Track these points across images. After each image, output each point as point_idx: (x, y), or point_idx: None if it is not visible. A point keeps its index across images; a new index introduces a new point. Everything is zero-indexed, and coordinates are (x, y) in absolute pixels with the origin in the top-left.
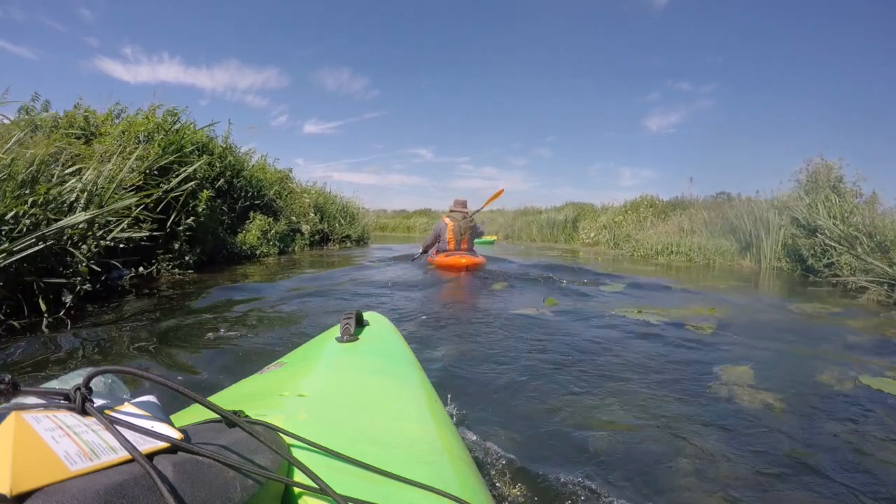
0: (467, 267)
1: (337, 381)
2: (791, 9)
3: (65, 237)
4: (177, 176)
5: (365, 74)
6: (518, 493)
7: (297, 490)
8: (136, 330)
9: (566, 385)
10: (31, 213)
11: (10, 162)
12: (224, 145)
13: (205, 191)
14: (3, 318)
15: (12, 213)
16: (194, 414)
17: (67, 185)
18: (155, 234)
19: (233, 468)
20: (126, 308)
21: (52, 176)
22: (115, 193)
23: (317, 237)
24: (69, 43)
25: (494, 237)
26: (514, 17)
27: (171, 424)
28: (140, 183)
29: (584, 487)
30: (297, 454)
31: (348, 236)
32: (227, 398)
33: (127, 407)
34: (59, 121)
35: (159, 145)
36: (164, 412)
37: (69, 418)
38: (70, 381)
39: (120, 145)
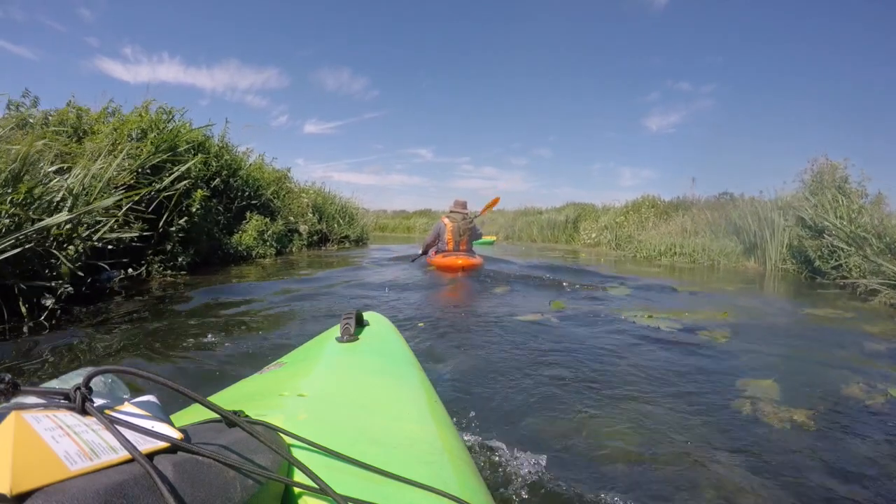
0: (464, 268)
1: (337, 381)
2: (791, 9)
3: (50, 238)
4: (170, 175)
5: (365, 74)
6: None
7: (297, 490)
8: (122, 333)
9: (575, 401)
10: (11, 212)
11: None
12: (220, 144)
13: (199, 190)
14: None
15: None
16: (194, 414)
17: (52, 183)
18: (146, 234)
19: (233, 468)
20: (114, 311)
21: (39, 174)
22: (104, 193)
23: (315, 238)
24: (69, 43)
25: (494, 238)
26: (514, 17)
27: (171, 424)
28: (132, 182)
29: None
30: (297, 454)
31: (347, 237)
32: (227, 398)
33: (127, 407)
34: (50, 118)
35: (152, 143)
36: (164, 412)
37: (69, 418)
38: (70, 380)
39: (111, 143)
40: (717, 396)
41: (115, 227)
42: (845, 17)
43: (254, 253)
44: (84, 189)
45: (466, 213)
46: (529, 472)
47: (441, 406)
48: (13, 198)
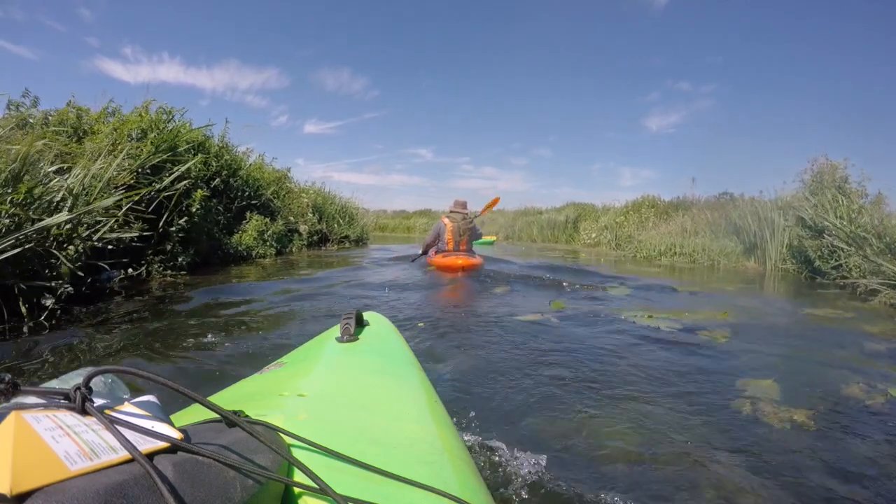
0: (463, 268)
1: (337, 381)
2: (791, 9)
3: (50, 238)
4: (170, 175)
5: (365, 74)
6: None
7: (297, 490)
8: (122, 333)
9: (575, 401)
10: (11, 212)
11: None
12: (220, 144)
13: (199, 190)
14: None
15: None
16: (194, 414)
17: (51, 183)
18: (146, 234)
19: (233, 468)
20: (114, 311)
21: (39, 174)
22: (104, 193)
23: (315, 237)
24: (69, 43)
25: (494, 238)
26: (514, 17)
27: (171, 424)
28: (132, 182)
29: None
30: (297, 454)
31: (347, 237)
32: (227, 398)
33: (127, 407)
34: (50, 118)
35: (152, 143)
36: (164, 412)
37: (69, 418)
38: (70, 380)
39: (111, 143)
40: (716, 396)
41: (116, 227)
42: (845, 17)
43: (254, 253)
44: (84, 189)
45: (466, 213)
46: (529, 472)
47: (441, 406)
48: (13, 198)
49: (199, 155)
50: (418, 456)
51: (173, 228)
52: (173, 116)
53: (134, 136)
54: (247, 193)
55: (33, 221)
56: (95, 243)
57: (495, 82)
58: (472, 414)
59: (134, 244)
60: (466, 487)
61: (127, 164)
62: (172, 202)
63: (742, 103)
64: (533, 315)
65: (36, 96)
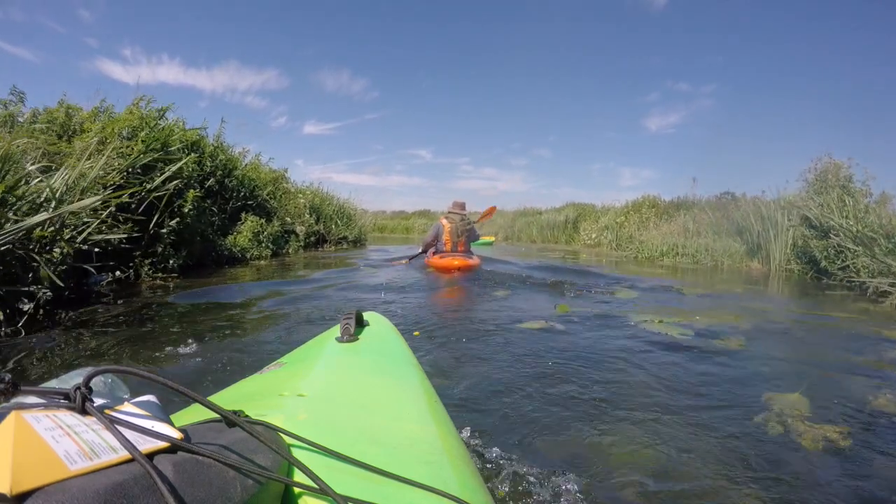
0: (460, 268)
1: (337, 381)
2: (791, 9)
3: (33, 240)
4: (161, 174)
5: (365, 75)
6: None
7: (297, 490)
8: (108, 336)
9: (584, 419)
10: None
11: None
12: (215, 144)
13: (192, 190)
14: None
15: None
16: (194, 414)
17: (33, 183)
18: (135, 235)
19: (233, 468)
20: (101, 314)
21: (21, 173)
22: (90, 192)
23: (312, 238)
24: (69, 44)
25: (493, 238)
26: (514, 17)
27: (171, 424)
28: (121, 182)
29: None
30: (297, 454)
31: (345, 237)
32: (227, 398)
33: (127, 406)
34: (38, 116)
35: (143, 142)
36: (164, 412)
37: (69, 418)
38: (70, 380)
39: (98, 142)
40: (741, 411)
41: (103, 228)
42: (845, 17)
43: (249, 254)
44: (68, 189)
45: (465, 215)
46: (537, 500)
47: (441, 406)
48: None
49: (192, 154)
50: (418, 456)
51: (164, 230)
52: (164, 114)
53: (124, 134)
54: (242, 194)
55: (15, 222)
56: (81, 246)
57: (495, 82)
58: (476, 433)
59: (123, 246)
60: (466, 487)
61: (116, 163)
62: (163, 202)
63: (742, 103)
64: (538, 322)
65: (22, 92)
